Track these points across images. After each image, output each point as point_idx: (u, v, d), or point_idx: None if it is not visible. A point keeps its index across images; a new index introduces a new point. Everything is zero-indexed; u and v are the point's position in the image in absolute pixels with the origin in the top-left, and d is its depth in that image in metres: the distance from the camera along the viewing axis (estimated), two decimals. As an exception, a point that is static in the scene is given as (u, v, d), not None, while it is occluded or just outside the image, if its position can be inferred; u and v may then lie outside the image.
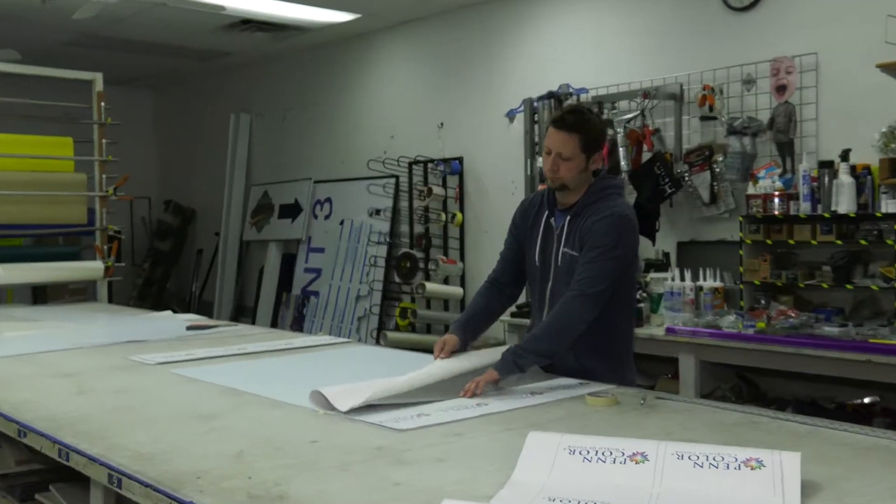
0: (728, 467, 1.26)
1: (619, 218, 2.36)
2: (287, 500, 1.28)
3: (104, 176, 5.00)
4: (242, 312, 7.89)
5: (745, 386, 4.04)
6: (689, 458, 1.29)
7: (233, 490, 1.32)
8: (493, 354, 2.26)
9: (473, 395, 2.06)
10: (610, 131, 4.80)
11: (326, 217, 7.06)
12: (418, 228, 6.14)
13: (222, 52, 7.40)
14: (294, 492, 1.31)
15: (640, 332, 4.00)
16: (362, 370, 2.55)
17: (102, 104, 5.00)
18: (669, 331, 3.83)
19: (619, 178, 2.63)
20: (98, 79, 5.04)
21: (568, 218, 2.42)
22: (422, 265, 5.92)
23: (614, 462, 1.32)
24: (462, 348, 2.45)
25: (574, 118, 2.40)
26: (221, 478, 1.38)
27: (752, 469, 1.25)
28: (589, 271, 2.29)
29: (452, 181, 6.02)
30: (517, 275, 2.58)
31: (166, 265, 8.84)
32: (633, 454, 1.33)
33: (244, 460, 1.49)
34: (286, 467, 1.45)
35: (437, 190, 5.93)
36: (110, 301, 5.07)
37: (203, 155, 8.62)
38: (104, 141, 5.00)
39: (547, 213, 2.49)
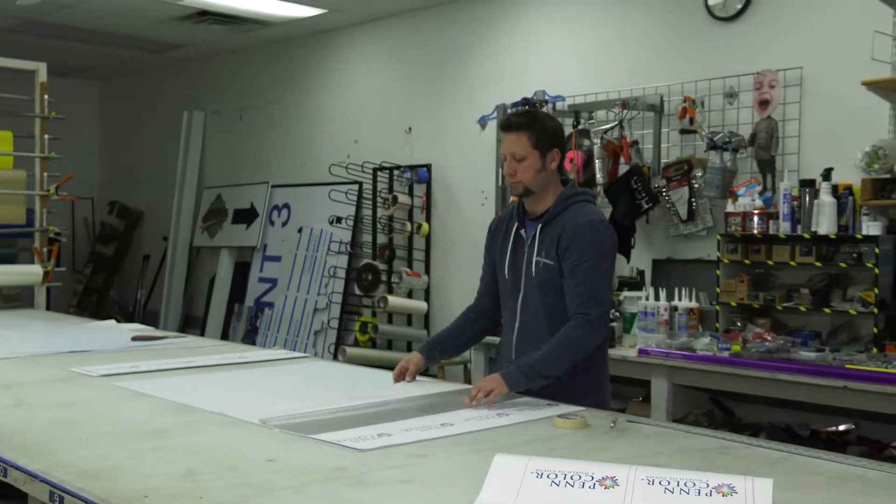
0: (699, 493, 1.30)
1: (600, 224, 2.49)
2: (241, 521, 1.29)
3: (45, 174, 4.95)
4: (190, 323, 7.83)
5: (719, 411, 4.11)
6: (659, 483, 1.33)
7: (183, 510, 1.33)
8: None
9: (476, 402, 2.20)
10: (586, 142, 4.86)
11: (284, 224, 7.05)
12: (382, 239, 6.16)
13: (175, 45, 7.37)
14: (248, 513, 1.33)
15: (613, 352, 4.05)
16: (320, 387, 2.56)
17: (46, 97, 4.96)
18: (642, 352, 3.89)
19: (588, 189, 2.79)
20: (41, 69, 4.99)
21: (539, 226, 2.51)
22: (384, 278, 5.93)
23: (583, 486, 1.36)
24: (425, 370, 2.55)
25: (521, 118, 2.53)
26: (171, 497, 1.39)
27: (723, 496, 1.30)
28: (586, 293, 2.40)
29: (419, 189, 6.05)
30: (497, 298, 2.65)
31: (109, 271, 8.74)
32: (603, 478, 1.36)
33: (195, 479, 1.50)
34: (240, 486, 1.46)
35: (403, 198, 5.96)
36: (48, 308, 5.02)
37: (152, 154, 8.56)
38: (46, 136, 4.95)
39: (517, 224, 2.59)
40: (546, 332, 2.46)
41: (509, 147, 2.51)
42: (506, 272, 2.58)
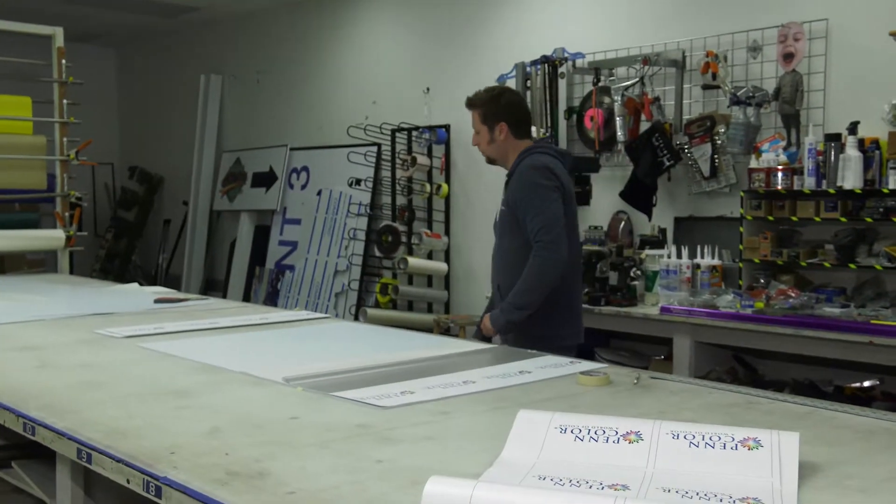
0: (724, 447, 1.29)
1: (531, 165, 2.92)
2: (267, 477, 1.30)
3: (65, 139, 4.95)
4: (212, 287, 7.89)
5: (742, 368, 4.10)
6: (684, 437, 1.32)
7: (209, 466, 1.34)
8: None
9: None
10: (607, 99, 4.82)
11: (303, 187, 7.05)
12: (401, 200, 6.15)
13: (190, 8, 7.33)
14: (274, 469, 1.34)
15: (634, 311, 4.05)
16: (341, 347, 2.58)
17: (63, 61, 4.94)
18: (664, 310, 3.88)
19: (551, 144, 3.30)
20: (58, 33, 4.97)
21: (505, 181, 3.04)
22: (404, 239, 5.94)
23: (607, 441, 1.35)
24: (445, 329, 3.08)
25: (473, 97, 3.09)
26: (197, 454, 1.40)
27: (749, 449, 1.29)
28: (536, 225, 2.87)
29: (438, 150, 6.02)
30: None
31: (131, 236, 8.81)
32: (627, 433, 1.36)
33: (221, 437, 1.51)
34: (265, 444, 1.47)
35: (422, 159, 5.94)
36: (71, 273, 5.06)
37: (171, 118, 8.56)
38: (65, 101, 4.94)
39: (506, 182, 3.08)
40: (506, 273, 2.97)
41: (472, 123, 3.09)
42: (496, 220, 3.10)
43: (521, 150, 3.03)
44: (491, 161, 3.11)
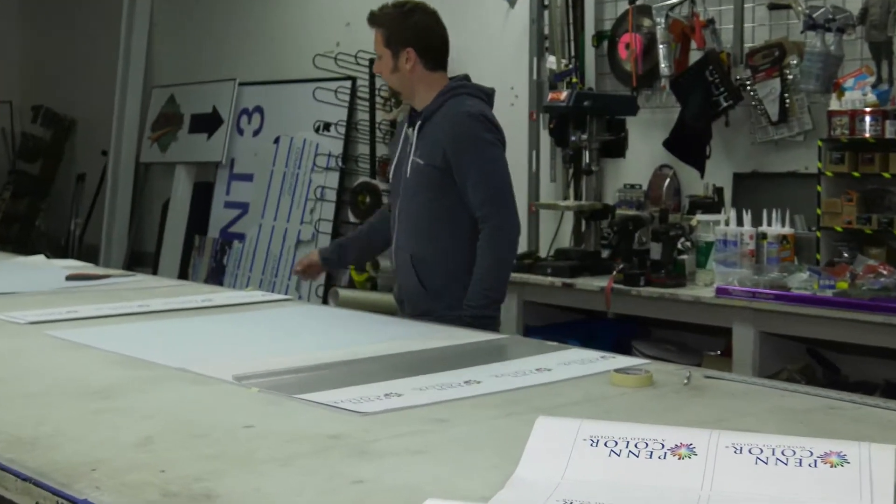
0: (801, 463, 1.29)
1: (466, 113, 3.00)
2: (213, 500, 1.30)
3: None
4: (139, 260, 7.88)
5: (819, 366, 4.12)
6: (749, 451, 1.33)
7: (140, 486, 1.34)
8: None
9: None
10: (647, 22, 4.79)
11: (256, 133, 7.03)
12: (382, 150, 6.13)
13: None
14: (221, 490, 1.33)
15: (682, 293, 4.06)
16: (307, 336, 2.58)
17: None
18: (720, 292, 3.89)
19: (473, 83, 3.22)
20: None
21: (418, 125, 3.06)
22: (387, 200, 5.93)
23: (651, 456, 1.35)
24: (327, 272, 3.50)
25: (376, 11, 3.11)
26: (124, 470, 1.40)
27: (831, 466, 1.29)
28: (482, 192, 2.97)
29: (430, 86, 6.00)
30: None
31: (34, 195, 8.79)
32: (676, 446, 1.36)
33: (154, 449, 1.51)
34: (210, 459, 1.47)
35: (410, 98, 5.92)
36: (-42, 242, 5.05)
37: (86, 47, 8.51)
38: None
39: (407, 124, 3.15)
40: (423, 241, 3.07)
41: (374, 43, 3.14)
42: (390, 174, 3.20)
43: (436, 87, 3.08)
44: (394, 94, 3.34)
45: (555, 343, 2.42)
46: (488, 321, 2.97)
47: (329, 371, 2.09)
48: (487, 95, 3.15)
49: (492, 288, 3.02)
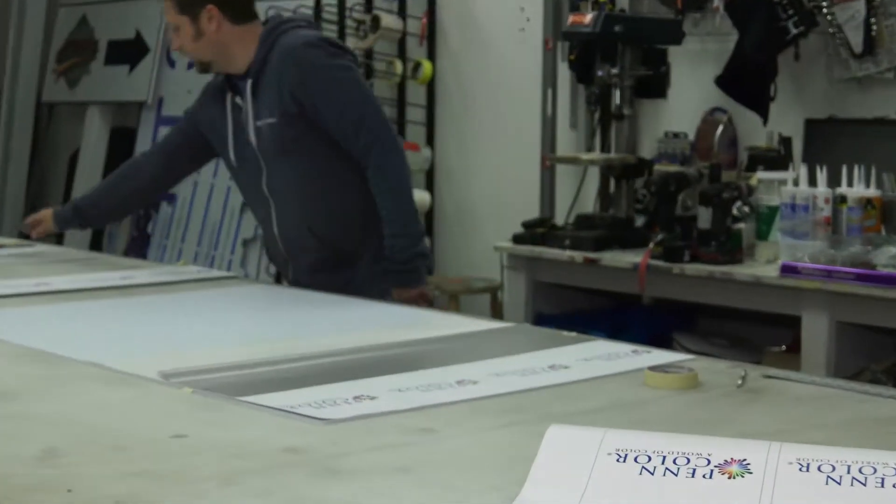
0: (882, 483, 1.30)
1: (304, 44, 3.20)
2: (135, 529, 1.31)
3: None
4: (41, 228, 7.85)
5: (912, 367, 4.13)
6: (818, 468, 1.33)
7: (42, 511, 1.35)
8: None
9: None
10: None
11: (191, 65, 6.98)
12: (354, 87, 6.12)
13: None
14: (147, 517, 1.34)
15: (738, 271, 4.07)
16: (256, 323, 2.60)
17: None
18: (787, 270, 3.89)
19: (293, 16, 3.61)
20: None
21: (250, 83, 3.23)
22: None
23: (693, 475, 1.35)
24: (60, 230, 3.79)
25: None
26: (24, 490, 1.40)
27: (922, 489, 1.30)
28: (356, 124, 3.17)
29: (416, 7, 5.99)
30: (169, 165, 3.55)
31: None
32: (726, 462, 1.36)
33: (60, 464, 1.51)
34: (132, 477, 1.47)
35: (390, 21, 5.90)
36: None
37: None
38: None
39: (230, 93, 3.31)
40: (309, 208, 3.28)
41: (167, 18, 3.33)
42: (231, 156, 3.33)
43: (251, 39, 3.25)
44: (205, 69, 3.36)
45: (573, 334, 2.43)
46: (422, 261, 3.29)
47: (283, 367, 2.09)
48: (311, 23, 3.42)
49: (408, 223, 3.26)
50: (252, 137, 3.24)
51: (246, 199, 3.65)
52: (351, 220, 3.32)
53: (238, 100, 3.28)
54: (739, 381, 1.99)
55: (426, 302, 3.32)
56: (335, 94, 3.18)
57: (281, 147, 3.21)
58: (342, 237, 3.33)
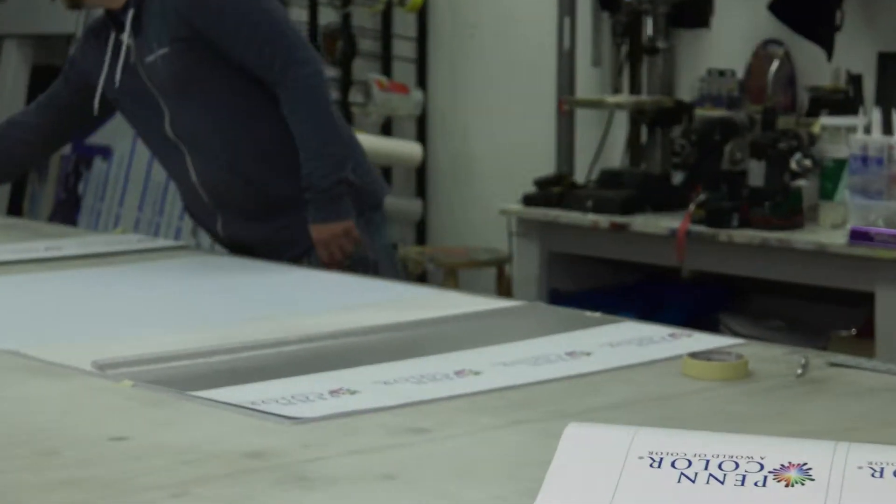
0: (974, 493, 1.31)
1: None
2: (66, 551, 1.31)
3: None
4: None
5: None
6: (894, 473, 1.34)
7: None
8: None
9: (335, 263, 3.16)
10: None
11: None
12: (329, 16, 6.11)
13: None
14: (80, 536, 1.35)
15: (798, 238, 4.07)
16: (211, 303, 2.61)
17: None
18: (857, 237, 3.90)
19: None
20: None
21: (131, 14, 3.31)
22: (335, 94, 5.92)
23: (742, 482, 1.36)
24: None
25: None
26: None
27: None
28: (270, 46, 3.26)
29: (403, -86, 5.97)
30: (53, 124, 3.66)
31: None
32: (783, 467, 1.37)
33: (-26, 472, 1.52)
34: (63, 487, 1.47)
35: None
36: None
37: None
38: None
39: (114, 31, 3.40)
40: (227, 147, 3.36)
41: None
42: (125, 102, 3.48)
43: None
44: (74, 5, 3.53)
45: (597, 314, 2.43)
46: (345, 189, 3.35)
47: (244, 356, 2.10)
48: None
49: (328, 143, 3.34)
50: (144, 77, 3.34)
51: (151, 149, 3.74)
52: (280, 158, 3.40)
53: (123, 36, 3.36)
54: (799, 371, 2.00)
55: (351, 242, 3.34)
56: (234, 15, 3.28)
57: (180, 81, 3.31)
58: (272, 179, 3.42)
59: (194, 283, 2.83)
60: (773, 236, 4.09)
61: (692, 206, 4.23)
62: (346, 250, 3.31)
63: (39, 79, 7.38)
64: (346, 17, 6.03)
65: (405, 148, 5.93)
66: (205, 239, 6.38)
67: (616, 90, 5.07)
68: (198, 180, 3.41)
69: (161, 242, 3.27)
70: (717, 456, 1.39)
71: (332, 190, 3.29)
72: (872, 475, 1.35)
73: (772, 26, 4.87)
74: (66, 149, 7.01)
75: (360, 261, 3.34)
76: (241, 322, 2.34)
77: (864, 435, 1.66)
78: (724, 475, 1.37)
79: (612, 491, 1.37)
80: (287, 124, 3.33)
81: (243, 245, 3.39)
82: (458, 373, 1.98)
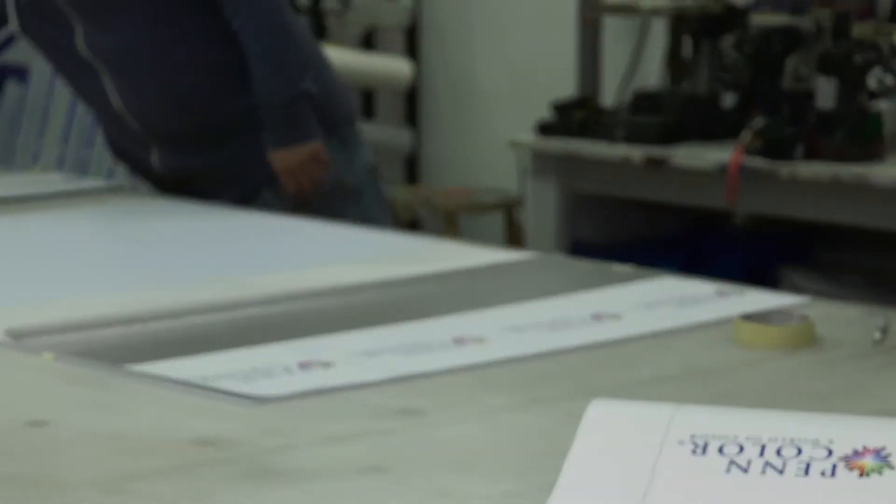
0: None
1: None
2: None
3: None
4: None
5: None
6: None
7: None
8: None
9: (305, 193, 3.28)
10: None
11: None
12: None
13: None
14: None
15: (875, 172, 4.07)
16: (154, 259, 2.61)
17: None
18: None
19: None
20: None
21: None
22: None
23: (807, 472, 1.36)
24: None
25: None
26: None
27: None
28: None
29: None
30: None
31: None
32: (856, 453, 1.37)
33: None
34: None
35: None
36: None
37: None
38: None
39: None
40: (155, 66, 3.44)
41: None
42: (15, 17, 3.51)
43: None
44: None
45: (628, 268, 2.44)
46: (307, 104, 3.43)
47: (193, 321, 2.11)
48: None
49: (283, 53, 3.43)
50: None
51: (59, 70, 3.83)
52: (223, 73, 3.48)
53: None
54: (877, 336, 1.99)
55: (321, 167, 3.40)
56: None
57: (127, 14, 3.43)
58: (216, 99, 3.49)
59: (130, 232, 2.83)
60: (847, 171, 4.09)
61: (746, 135, 4.23)
62: (316, 177, 3.32)
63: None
64: None
65: (391, 66, 5.94)
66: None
67: (652, -8, 5.07)
68: (124, 106, 3.46)
69: (90, 183, 3.27)
70: (775, 439, 1.39)
71: (291, 107, 3.36)
72: (970, 464, 1.35)
73: None
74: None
75: (336, 188, 3.38)
76: (188, 280, 2.34)
77: (958, 415, 1.66)
78: (784, 463, 1.37)
79: (645, 484, 1.37)
80: (224, 41, 3.39)
81: (188, 180, 3.43)
82: (458, 340, 1.99)
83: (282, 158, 3.32)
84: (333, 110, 3.52)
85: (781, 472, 1.37)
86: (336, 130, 3.48)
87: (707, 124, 4.50)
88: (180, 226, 2.96)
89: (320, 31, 5.91)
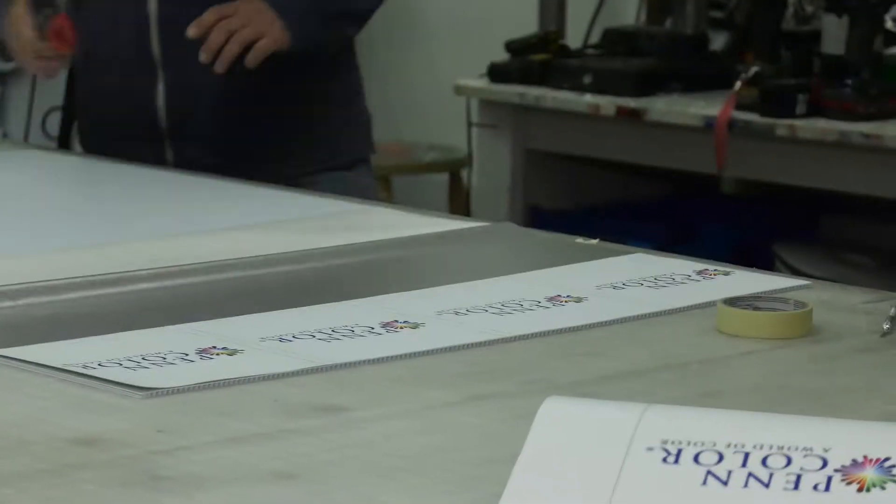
0: None
1: None
2: None
3: None
4: None
5: None
6: None
7: None
8: None
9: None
10: None
11: None
12: None
13: None
14: None
15: (890, 131, 4.09)
16: (26, 220, 2.63)
17: None
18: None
19: None
20: None
21: None
22: None
23: (796, 486, 1.37)
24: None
25: None
26: None
27: None
28: None
29: None
30: None
31: None
32: (855, 464, 1.38)
33: None
34: None
35: None
36: None
37: None
38: None
39: None
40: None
41: None
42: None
43: None
44: None
45: (594, 241, 2.46)
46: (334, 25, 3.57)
47: (71, 298, 2.11)
48: None
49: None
50: None
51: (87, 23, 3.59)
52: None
53: None
54: (886, 326, 2.01)
55: (267, 43, 3.30)
56: None
57: None
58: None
59: (5, 189, 2.83)
60: (857, 129, 4.11)
61: (739, 84, 4.24)
62: (243, 40, 3.24)
63: None
64: None
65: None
66: (16, 125, 6.36)
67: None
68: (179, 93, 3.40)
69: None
70: (761, 447, 1.41)
71: (306, 26, 3.40)
72: (985, 474, 1.37)
73: None
74: None
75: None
76: (67, 247, 2.34)
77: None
78: (771, 475, 1.39)
79: (606, 497, 1.39)
80: None
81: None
82: (388, 325, 1.99)
83: (247, 12, 3.29)
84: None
85: (767, 485, 1.38)
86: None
87: (692, 71, 4.51)
88: (63, 182, 2.97)
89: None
